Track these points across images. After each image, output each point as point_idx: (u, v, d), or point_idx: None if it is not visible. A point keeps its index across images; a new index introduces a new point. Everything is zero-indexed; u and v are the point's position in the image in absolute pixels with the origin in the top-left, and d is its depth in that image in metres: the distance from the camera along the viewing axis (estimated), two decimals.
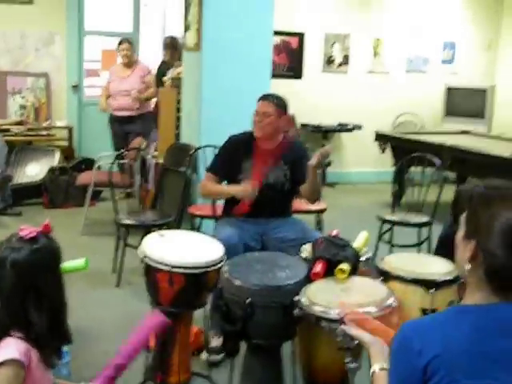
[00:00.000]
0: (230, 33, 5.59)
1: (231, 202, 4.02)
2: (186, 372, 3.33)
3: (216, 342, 3.62)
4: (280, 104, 3.96)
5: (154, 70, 7.77)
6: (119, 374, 2.13)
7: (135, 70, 7.29)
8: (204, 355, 3.60)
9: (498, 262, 1.55)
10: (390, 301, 2.54)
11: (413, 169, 5.68)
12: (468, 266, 1.61)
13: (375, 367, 1.79)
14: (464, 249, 1.63)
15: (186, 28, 5.96)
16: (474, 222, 1.61)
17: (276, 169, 3.94)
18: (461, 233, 1.67)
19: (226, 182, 4.07)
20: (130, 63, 7.31)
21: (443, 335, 1.54)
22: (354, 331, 1.99)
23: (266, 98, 3.98)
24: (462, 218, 1.67)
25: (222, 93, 5.59)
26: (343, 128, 9.07)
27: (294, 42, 8.96)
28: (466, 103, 9.39)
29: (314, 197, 3.99)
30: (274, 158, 3.95)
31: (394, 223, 5.09)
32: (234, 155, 3.98)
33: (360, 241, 2.99)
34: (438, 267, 2.98)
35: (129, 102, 7.17)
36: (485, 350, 1.52)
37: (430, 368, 1.51)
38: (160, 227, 4.59)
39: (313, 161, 3.64)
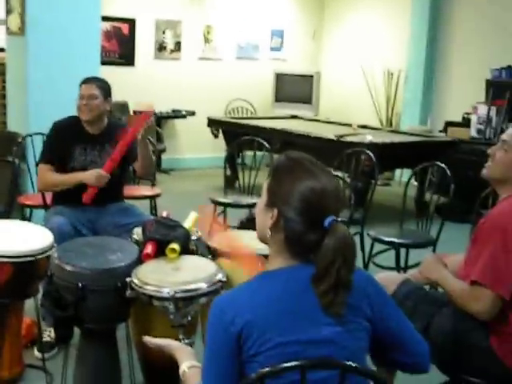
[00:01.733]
0: (55, 17, 5.45)
1: (64, 192, 3.92)
2: (18, 365, 3.24)
3: (48, 336, 3.55)
4: (104, 87, 3.94)
5: None
6: None
7: None
8: (37, 353, 3.50)
9: (297, 228, 1.66)
10: (219, 276, 2.63)
11: (246, 153, 5.84)
12: (269, 233, 1.71)
13: (184, 367, 1.82)
14: (265, 217, 1.73)
15: (9, 11, 5.72)
16: (276, 190, 1.71)
17: (103, 154, 3.91)
18: (262, 202, 1.76)
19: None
20: None
21: (252, 301, 1.64)
22: (158, 342, 2.00)
23: (89, 80, 3.93)
24: (264, 187, 1.76)
25: (49, 79, 5.44)
26: (177, 114, 9.13)
27: (125, 28, 8.86)
28: (295, 89, 9.75)
29: (148, 170, 4.16)
30: (100, 142, 3.93)
31: (226, 205, 5.22)
32: (63, 142, 3.89)
33: (190, 221, 3.05)
34: None
35: None
36: (291, 307, 1.63)
37: (243, 334, 1.60)
38: None
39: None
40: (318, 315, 1.63)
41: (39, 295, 3.10)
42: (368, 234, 4.54)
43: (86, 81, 3.93)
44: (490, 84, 7.67)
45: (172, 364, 2.66)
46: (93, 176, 3.77)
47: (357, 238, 4.91)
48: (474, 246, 2.49)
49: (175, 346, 1.94)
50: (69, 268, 2.69)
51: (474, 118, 7.46)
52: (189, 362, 1.83)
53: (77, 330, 2.92)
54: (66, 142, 3.89)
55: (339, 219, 1.67)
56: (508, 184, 2.54)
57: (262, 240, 1.78)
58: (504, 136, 2.59)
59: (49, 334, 3.56)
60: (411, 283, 2.72)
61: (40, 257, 2.93)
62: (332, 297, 1.61)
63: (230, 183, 6.67)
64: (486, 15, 8.26)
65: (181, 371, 1.83)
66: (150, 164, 4.09)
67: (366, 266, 4.71)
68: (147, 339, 2.04)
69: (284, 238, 1.68)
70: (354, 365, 1.55)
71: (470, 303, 2.40)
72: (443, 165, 4.59)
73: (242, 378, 1.62)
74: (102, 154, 3.92)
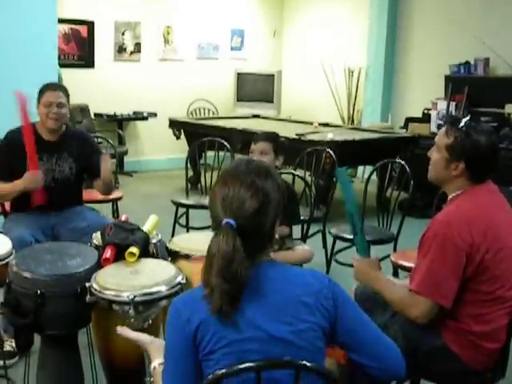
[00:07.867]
0: (9, 20, 5.37)
1: (21, 198, 3.87)
2: None
3: (10, 346, 3.50)
4: (67, 93, 3.87)
5: None
6: None
7: None
8: None
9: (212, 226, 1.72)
10: (179, 279, 2.63)
11: (208, 153, 5.83)
12: None
13: (155, 363, 1.85)
14: None
15: None
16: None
17: (60, 162, 3.86)
18: None
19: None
20: None
21: (206, 302, 1.65)
22: (131, 334, 2.02)
23: (55, 87, 3.85)
24: None
25: (3, 84, 5.35)
26: (138, 116, 9.08)
27: (83, 30, 8.78)
28: (256, 88, 9.77)
29: (107, 191, 4.07)
30: (58, 150, 3.86)
31: (188, 206, 5.21)
32: (15, 154, 3.77)
33: (149, 224, 3.04)
34: None
35: None
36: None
37: (199, 332, 1.63)
38: None
39: None
40: (276, 314, 1.65)
41: None
42: (329, 232, 4.57)
43: (51, 87, 3.83)
44: (448, 80, 7.78)
45: (135, 367, 2.68)
46: (27, 180, 3.68)
47: (318, 236, 4.95)
48: (418, 254, 2.50)
49: (148, 341, 1.96)
50: (27, 275, 2.66)
51: (433, 114, 7.56)
52: (160, 358, 1.84)
53: (37, 337, 2.89)
54: (19, 153, 3.73)
55: (233, 223, 1.64)
56: (450, 183, 2.56)
57: None
58: (436, 138, 2.62)
59: (10, 343, 3.52)
60: (365, 292, 2.74)
61: None
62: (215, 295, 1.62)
63: (192, 184, 6.67)
64: (444, 12, 8.37)
65: (151, 367, 1.86)
66: (110, 186, 4.01)
67: (328, 263, 4.75)
68: (120, 330, 2.05)
69: None
70: (308, 364, 1.57)
71: (407, 309, 2.41)
72: (402, 161, 4.65)
73: (201, 376, 1.64)
74: (59, 161, 3.86)
